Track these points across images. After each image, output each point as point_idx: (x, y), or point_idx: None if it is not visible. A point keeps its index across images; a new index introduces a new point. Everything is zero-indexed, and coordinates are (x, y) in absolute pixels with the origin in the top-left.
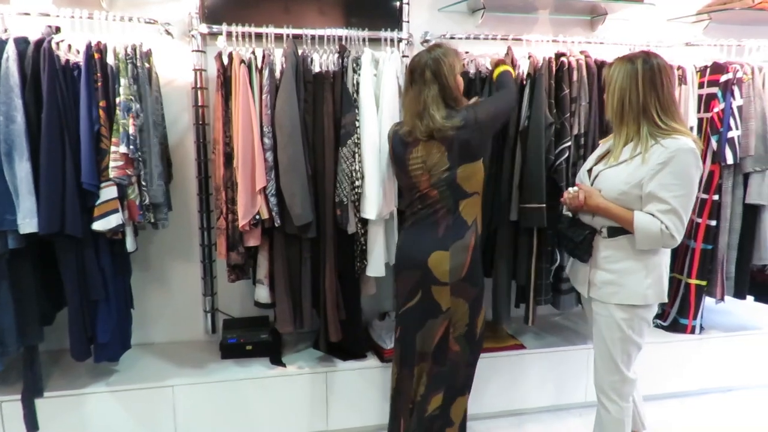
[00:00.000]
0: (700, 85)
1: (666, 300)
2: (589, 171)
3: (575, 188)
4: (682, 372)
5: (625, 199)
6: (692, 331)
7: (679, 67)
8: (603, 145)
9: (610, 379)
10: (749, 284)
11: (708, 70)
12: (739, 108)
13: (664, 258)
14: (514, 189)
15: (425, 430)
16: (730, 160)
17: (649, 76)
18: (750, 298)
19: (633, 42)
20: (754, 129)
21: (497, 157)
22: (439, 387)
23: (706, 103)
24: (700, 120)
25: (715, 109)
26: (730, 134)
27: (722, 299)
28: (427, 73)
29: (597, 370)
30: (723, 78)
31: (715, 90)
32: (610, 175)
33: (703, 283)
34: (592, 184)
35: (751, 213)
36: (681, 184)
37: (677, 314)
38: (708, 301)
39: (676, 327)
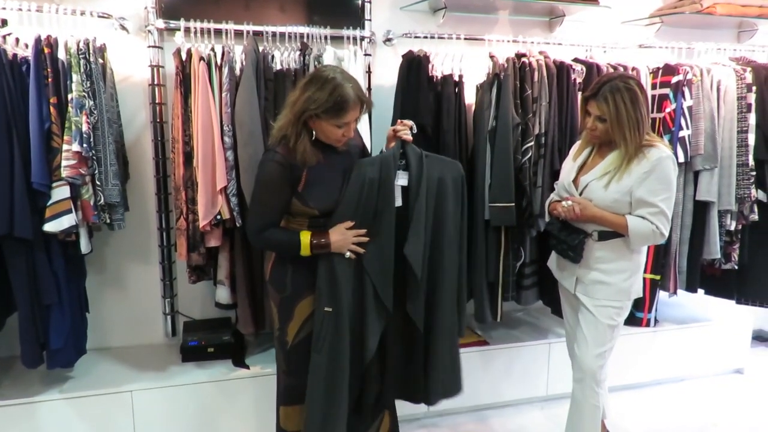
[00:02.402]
0: (653, 86)
1: (641, 295)
2: (574, 182)
3: (569, 202)
4: (637, 364)
5: (616, 206)
6: (647, 324)
7: (633, 68)
8: (578, 153)
9: (597, 364)
10: (700, 278)
11: (660, 71)
12: (690, 108)
13: (643, 258)
14: (485, 189)
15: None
16: (681, 158)
17: (643, 97)
18: (701, 291)
19: (590, 43)
20: (704, 128)
21: (469, 158)
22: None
23: (658, 103)
24: (653, 120)
25: (667, 110)
26: (681, 133)
27: (675, 293)
28: (307, 78)
29: (584, 358)
30: (674, 79)
31: (666, 91)
32: (600, 185)
33: (657, 277)
34: (580, 195)
35: (701, 209)
36: (665, 188)
37: (633, 308)
38: (661, 295)
39: (632, 320)
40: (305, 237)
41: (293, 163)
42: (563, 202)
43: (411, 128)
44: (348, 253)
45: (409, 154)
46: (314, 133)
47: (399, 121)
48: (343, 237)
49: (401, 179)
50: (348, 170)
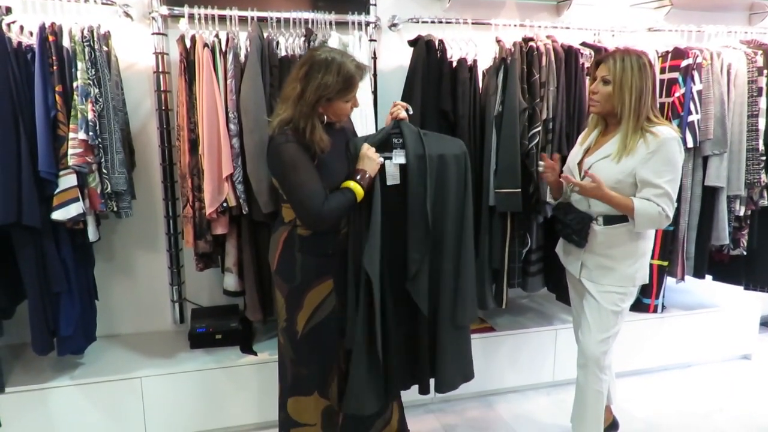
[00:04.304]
0: (662, 70)
1: (647, 281)
2: (579, 164)
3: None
4: (644, 350)
5: (620, 188)
6: (654, 310)
7: (642, 52)
8: (585, 137)
9: (600, 350)
10: (707, 264)
11: (669, 55)
12: (699, 93)
13: (649, 244)
14: (490, 174)
15: (279, 415)
16: (690, 143)
17: (652, 73)
18: (709, 278)
19: (598, 27)
20: (713, 113)
21: (478, 144)
22: (279, 376)
23: (667, 87)
24: (662, 104)
25: (676, 94)
26: (690, 118)
27: (683, 279)
28: (304, 68)
29: (588, 344)
30: (684, 63)
31: (676, 75)
32: (605, 166)
33: (665, 263)
34: (582, 177)
35: (710, 195)
36: (670, 170)
37: (640, 294)
38: (669, 281)
39: (639, 306)
40: (350, 183)
41: (305, 143)
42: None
43: (407, 109)
44: (400, 160)
45: (404, 131)
46: (324, 118)
47: (394, 102)
48: (368, 158)
49: (398, 157)
50: (345, 144)
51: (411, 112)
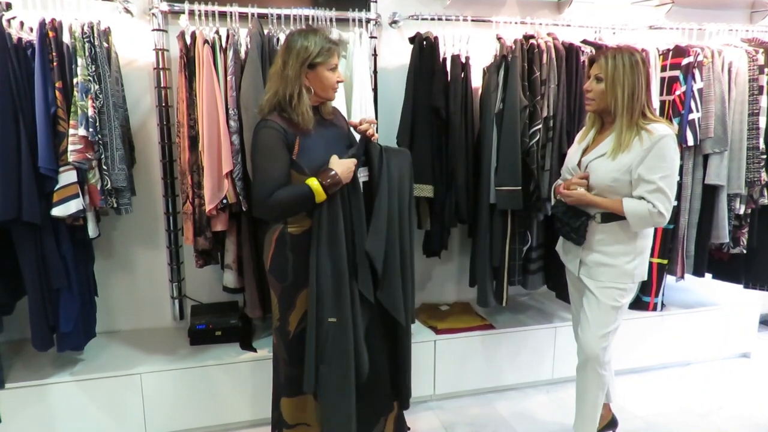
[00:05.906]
0: (663, 68)
1: (646, 278)
2: (578, 164)
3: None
4: (643, 348)
5: (617, 186)
6: (654, 308)
7: (642, 50)
8: (583, 137)
9: (600, 346)
10: (707, 262)
11: (670, 53)
12: (700, 91)
13: (648, 241)
14: (491, 172)
15: (272, 414)
16: (690, 141)
17: (645, 70)
18: (708, 276)
19: (599, 25)
20: (714, 111)
21: (476, 141)
22: (273, 374)
23: (668, 86)
24: (663, 102)
25: (677, 92)
26: (690, 116)
27: (682, 277)
28: (283, 47)
29: (587, 340)
30: (684, 61)
31: (676, 73)
32: (602, 164)
33: (665, 261)
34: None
35: (710, 193)
36: (665, 166)
37: (640, 292)
38: (669, 279)
39: (638, 304)
40: (313, 182)
41: (287, 130)
42: (563, 184)
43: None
44: (362, 178)
45: (371, 150)
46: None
47: (363, 120)
48: (343, 164)
49: (362, 175)
50: (339, 139)
51: (376, 123)
